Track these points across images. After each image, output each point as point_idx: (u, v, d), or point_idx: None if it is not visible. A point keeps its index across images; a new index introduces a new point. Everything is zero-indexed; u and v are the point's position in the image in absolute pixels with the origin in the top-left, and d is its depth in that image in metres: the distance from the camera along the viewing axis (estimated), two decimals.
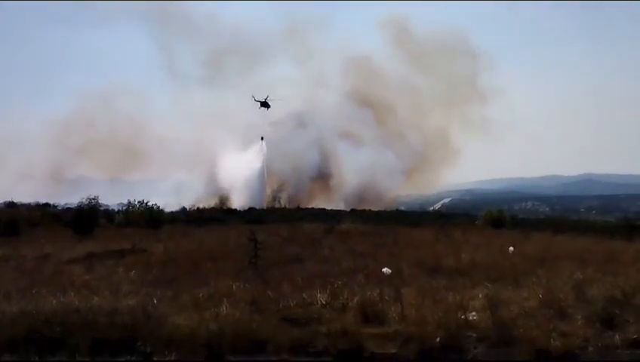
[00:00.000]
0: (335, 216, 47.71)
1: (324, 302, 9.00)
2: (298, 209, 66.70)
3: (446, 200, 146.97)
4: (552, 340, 6.96)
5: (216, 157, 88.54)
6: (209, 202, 77.82)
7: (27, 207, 48.17)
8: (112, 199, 46.95)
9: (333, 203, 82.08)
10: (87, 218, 29.58)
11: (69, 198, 38.97)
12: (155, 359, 6.79)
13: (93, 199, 32.35)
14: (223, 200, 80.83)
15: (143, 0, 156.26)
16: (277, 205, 79.09)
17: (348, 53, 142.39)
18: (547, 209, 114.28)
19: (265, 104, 78.54)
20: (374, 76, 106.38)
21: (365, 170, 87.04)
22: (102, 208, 37.54)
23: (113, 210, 43.88)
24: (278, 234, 25.09)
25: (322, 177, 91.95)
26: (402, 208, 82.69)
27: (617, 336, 7.06)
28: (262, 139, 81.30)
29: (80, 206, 31.73)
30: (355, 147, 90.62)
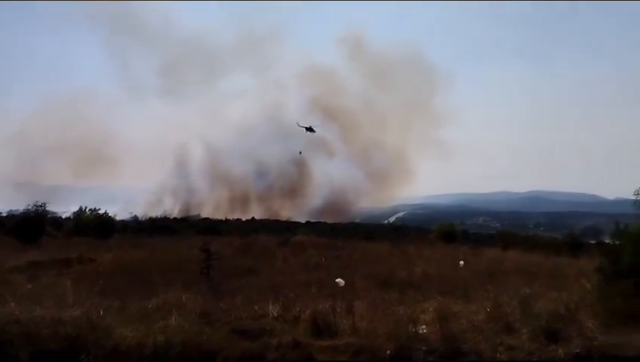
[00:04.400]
0: (290, 227, 47.64)
1: (275, 315, 8.93)
2: (252, 220, 66.32)
3: (400, 214, 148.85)
4: (498, 353, 7.10)
5: (180, 165, 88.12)
6: (172, 211, 77.01)
7: None
8: (64, 206, 45.59)
9: (298, 214, 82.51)
10: (33, 225, 28.48)
11: (18, 204, 36.95)
12: None
13: (41, 206, 30.71)
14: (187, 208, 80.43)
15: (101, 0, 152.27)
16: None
17: (306, 66, 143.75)
18: (498, 224, 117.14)
19: (310, 129, 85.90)
20: (334, 90, 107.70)
21: (331, 184, 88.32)
22: (50, 215, 36.02)
23: (61, 217, 42.55)
24: (232, 245, 24.82)
25: (291, 188, 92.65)
26: (357, 221, 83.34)
27: (561, 350, 7.24)
28: (300, 153, 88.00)
29: (25, 212, 30.25)
30: (323, 159, 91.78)
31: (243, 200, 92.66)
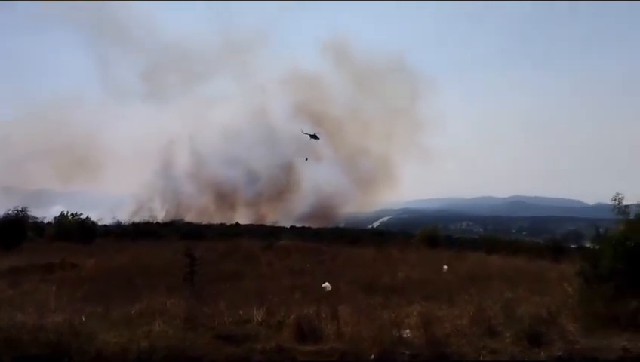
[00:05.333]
0: (274, 232, 47.52)
1: (260, 320, 8.91)
2: (237, 225, 66.03)
3: (384, 219, 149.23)
4: (481, 357, 7.16)
5: (166, 166, 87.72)
6: (158, 214, 76.55)
7: None
8: (48, 210, 45.03)
9: (285, 218, 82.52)
10: (14, 230, 28.08)
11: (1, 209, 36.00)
12: None
13: (21, 210, 30.19)
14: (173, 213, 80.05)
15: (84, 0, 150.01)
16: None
17: (292, 71, 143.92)
18: (481, 229, 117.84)
19: (314, 136, 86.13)
20: (319, 95, 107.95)
21: (318, 190, 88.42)
22: (31, 220, 35.37)
23: (42, 222, 41.98)
24: (215, 249, 24.70)
25: (278, 193, 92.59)
26: (342, 225, 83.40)
27: (543, 353, 7.33)
28: (306, 159, 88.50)
29: (6, 217, 29.72)
30: (311, 165, 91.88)
31: (230, 205, 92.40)
